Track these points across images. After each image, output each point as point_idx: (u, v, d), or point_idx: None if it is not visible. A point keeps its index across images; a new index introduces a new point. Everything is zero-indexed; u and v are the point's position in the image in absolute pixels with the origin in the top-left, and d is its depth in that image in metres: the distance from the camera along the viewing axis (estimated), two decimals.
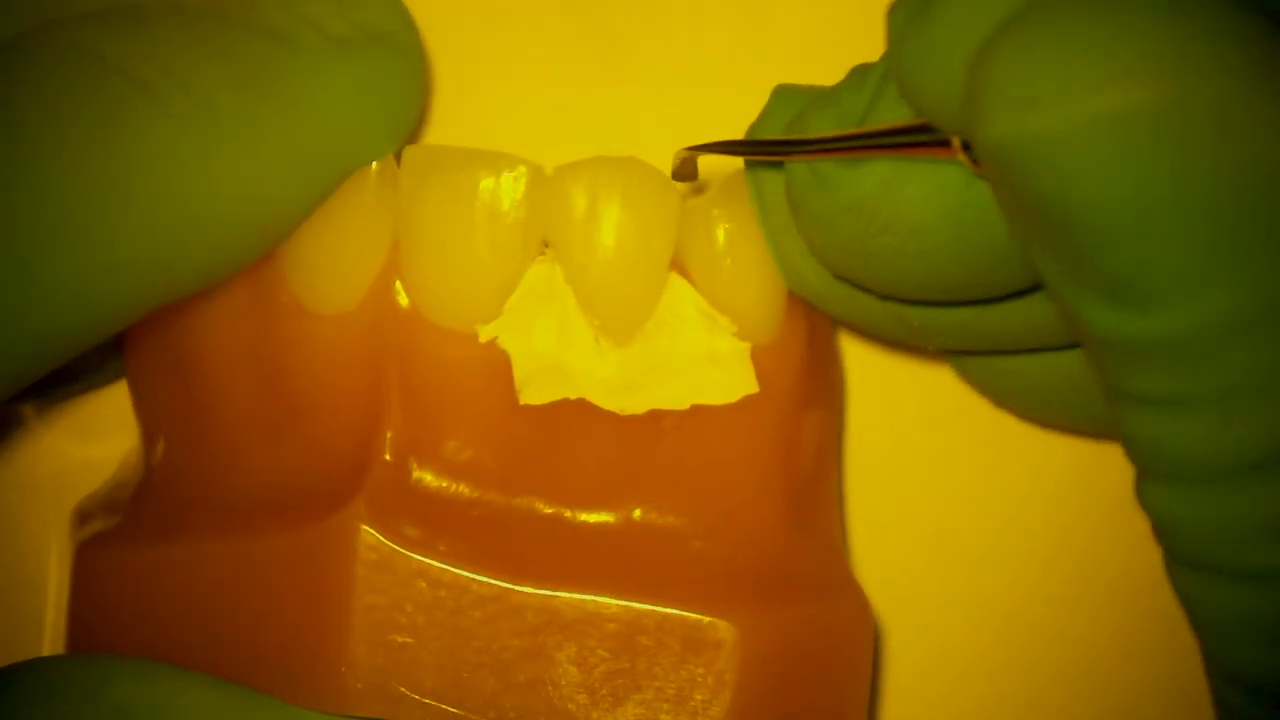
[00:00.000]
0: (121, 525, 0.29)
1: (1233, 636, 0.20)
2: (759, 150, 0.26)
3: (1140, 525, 0.22)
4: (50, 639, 0.31)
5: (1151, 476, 0.21)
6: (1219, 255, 0.19)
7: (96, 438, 0.32)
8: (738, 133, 0.28)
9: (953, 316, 0.27)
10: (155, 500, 0.29)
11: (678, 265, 0.28)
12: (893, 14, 0.23)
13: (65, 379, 0.31)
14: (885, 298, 0.26)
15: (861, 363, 0.33)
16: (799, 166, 0.25)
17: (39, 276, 0.23)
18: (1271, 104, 0.18)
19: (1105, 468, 0.32)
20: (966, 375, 0.31)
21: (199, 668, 0.26)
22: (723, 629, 0.26)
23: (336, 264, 0.27)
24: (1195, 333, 0.19)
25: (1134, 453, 0.21)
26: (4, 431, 0.32)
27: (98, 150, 0.23)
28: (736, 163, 0.28)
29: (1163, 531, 0.21)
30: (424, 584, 0.26)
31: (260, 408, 0.28)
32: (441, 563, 0.26)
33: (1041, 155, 0.19)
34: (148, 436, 0.30)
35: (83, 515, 0.30)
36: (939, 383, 0.32)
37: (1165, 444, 0.20)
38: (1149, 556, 0.22)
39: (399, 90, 0.27)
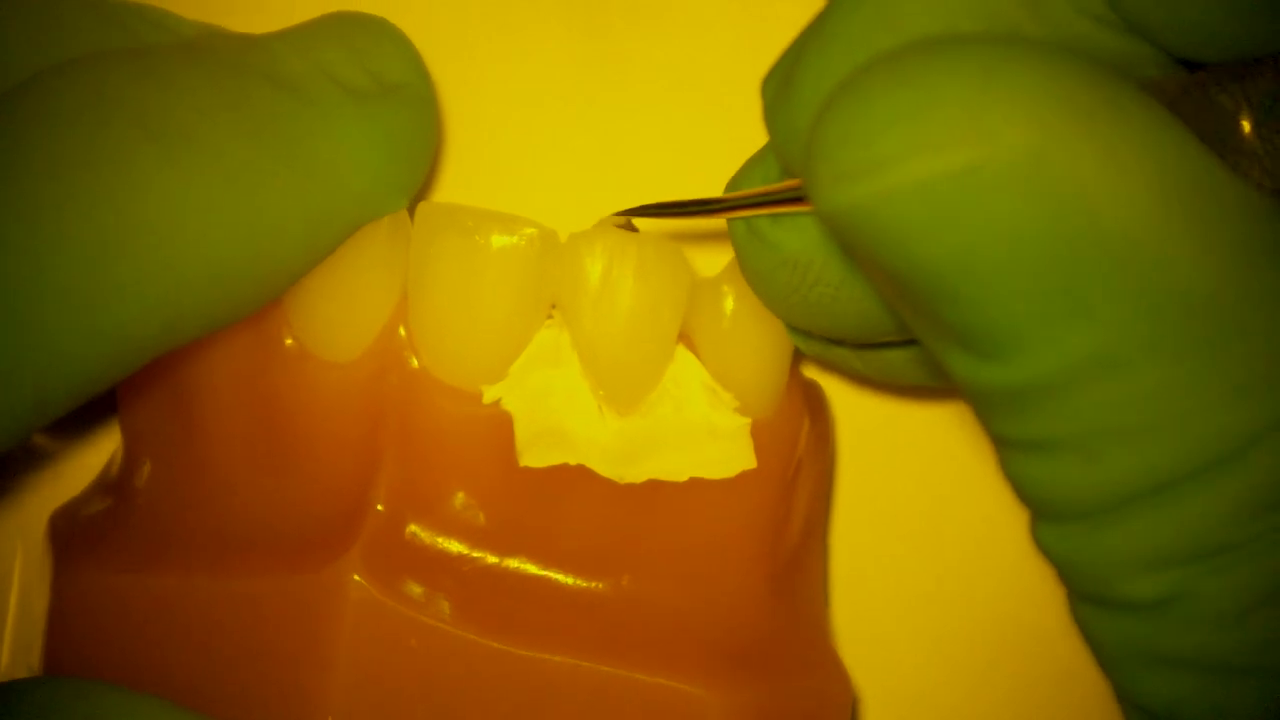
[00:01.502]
0: (104, 546, 0.29)
1: (1130, 666, 0.21)
2: (673, 212, 0.27)
3: None
4: (11, 640, 0.31)
5: (1038, 516, 0.21)
6: (1058, 303, 0.19)
7: (82, 442, 0.32)
8: None
9: None
10: (140, 524, 0.29)
11: (684, 338, 0.28)
12: (764, 87, 0.24)
13: None
14: (837, 342, 0.27)
15: (847, 429, 0.33)
16: (737, 225, 0.26)
17: (41, 330, 0.23)
18: (1095, 154, 0.18)
19: None
20: None
21: (180, 703, 0.26)
22: (703, 700, 0.26)
23: (343, 313, 0.27)
24: (1046, 378, 0.19)
25: (1017, 494, 0.21)
26: None
27: (105, 202, 0.23)
28: None
29: (1057, 569, 0.22)
30: (413, 639, 0.26)
31: (256, 447, 0.28)
32: (431, 618, 0.26)
33: (862, 225, 0.19)
34: (133, 457, 0.30)
35: (61, 522, 0.30)
36: (926, 446, 0.33)
37: (1039, 485, 0.21)
38: None
39: (413, 145, 0.27)
